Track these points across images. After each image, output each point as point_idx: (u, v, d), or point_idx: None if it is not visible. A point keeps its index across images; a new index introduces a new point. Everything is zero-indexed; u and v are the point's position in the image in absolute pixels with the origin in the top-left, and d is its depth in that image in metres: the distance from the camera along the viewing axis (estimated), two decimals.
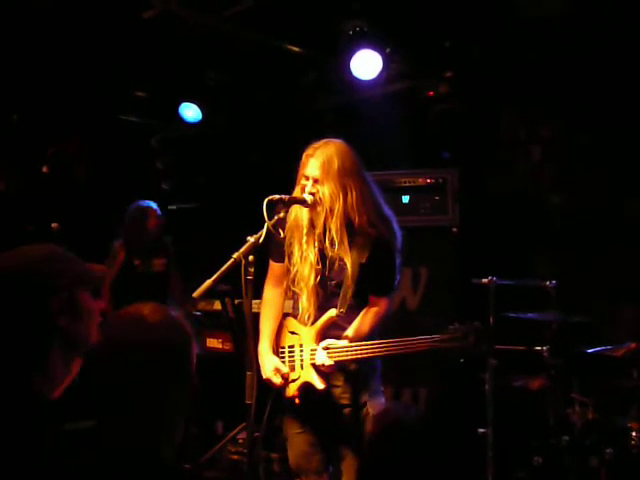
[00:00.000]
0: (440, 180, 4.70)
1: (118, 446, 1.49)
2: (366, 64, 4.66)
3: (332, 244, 2.86)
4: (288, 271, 2.97)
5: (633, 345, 3.62)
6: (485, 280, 3.92)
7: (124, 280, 5.27)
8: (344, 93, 5.46)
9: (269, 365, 2.95)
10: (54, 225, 5.23)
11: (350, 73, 4.73)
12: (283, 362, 2.97)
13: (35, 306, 1.63)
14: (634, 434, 3.54)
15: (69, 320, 1.67)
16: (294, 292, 2.98)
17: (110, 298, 5.22)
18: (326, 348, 2.81)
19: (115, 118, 6.11)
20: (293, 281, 2.95)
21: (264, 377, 2.94)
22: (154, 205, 5.36)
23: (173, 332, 1.58)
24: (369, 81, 4.80)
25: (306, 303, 2.91)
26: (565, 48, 4.55)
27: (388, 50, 4.70)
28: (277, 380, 2.93)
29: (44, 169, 5.74)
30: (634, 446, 3.52)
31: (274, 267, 3.10)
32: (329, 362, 2.78)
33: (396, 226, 2.95)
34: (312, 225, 2.90)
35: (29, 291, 1.64)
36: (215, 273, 2.51)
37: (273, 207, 2.70)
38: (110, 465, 1.47)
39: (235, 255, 2.51)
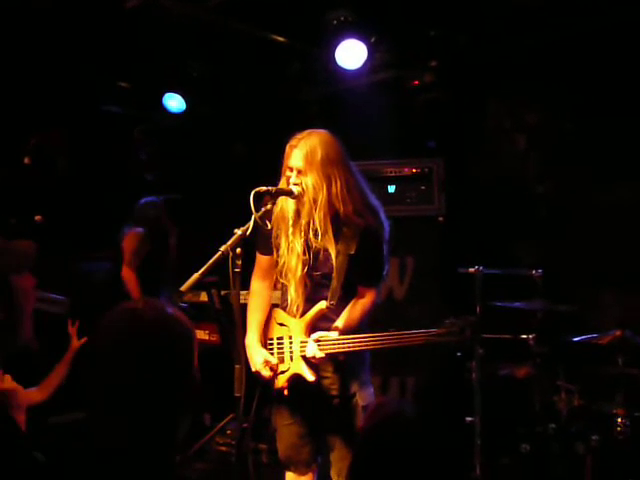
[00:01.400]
0: (426, 170, 4.71)
1: (115, 446, 1.47)
2: (351, 54, 4.64)
3: (316, 235, 2.84)
4: (276, 263, 2.96)
5: (618, 333, 3.66)
6: (472, 269, 3.94)
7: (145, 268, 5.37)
8: (329, 83, 5.43)
9: (258, 358, 2.94)
10: (37, 217, 5.19)
11: (335, 63, 4.70)
12: (272, 354, 2.97)
13: None
14: (620, 420, 3.58)
15: (3, 313, 1.64)
16: (282, 283, 2.96)
17: (137, 282, 5.31)
18: (317, 340, 2.80)
19: (98, 109, 6.05)
20: (281, 272, 2.93)
21: (253, 370, 2.92)
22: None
23: (171, 329, 1.55)
24: (354, 71, 4.78)
25: (294, 294, 2.90)
26: (550, 36, 4.55)
27: (373, 40, 4.69)
28: (266, 373, 2.92)
29: (26, 160, 5.68)
30: (620, 432, 3.55)
31: (261, 260, 3.09)
32: (320, 354, 2.77)
33: (383, 216, 2.94)
34: (298, 216, 2.88)
35: None
36: (202, 266, 2.49)
37: (260, 199, 2.68)
38: (106, 466, 1.45)
39: (222, 248, 2.49)
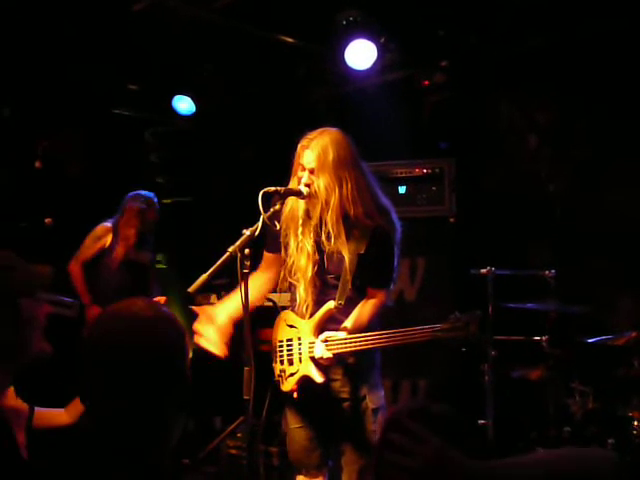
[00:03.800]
0: (437, 170, 4.67)
1: (108, 445, 1.46)
2: (361, 54, 4.63)
3: (328, 238, 2.82)
4: (284, 262, 2.93)
5: (634, 334, 3.61)
6: (483, 270, 3.91)
7: (103, 266, 5.19)
8: (339, 84, 5.42)
9: (212, 318, 2.86)
10: (47, 220, 5.19)
11: (345, 63, 4.69)
12: (281, 356, 2.94)
13: None
14: (635, 424, 3.52)
15: (10, 332, 1.63)
16: (291, 284, 2.93)
17: (83, 277, 5.11)
18: (325, 340, 2.76)
19: (108, 112, 6.06)
20: (290, 272, 2.90)
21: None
22: (154, 197, 5.29)
23: (166, 329, 1.54)
24: (364, 71, 4.77)
25: (303, 294, 2.87)
26: (561, 34, 4.51)
27: (383, 40, 4.67)
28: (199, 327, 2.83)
29: (37, 164, 5.69)
30: (636, 436, 3.50)
31: (267, 256, 3.06)
32: (327, 354, 2.74)
33: (395, 217, 2.90)
34: (308, 216, 2.86)
35: None
36: (211, 267, 2.47)
37: (269, 199, 2.66)
38: (96, 464, 1.44)
39: (231, 249, 2.47)
